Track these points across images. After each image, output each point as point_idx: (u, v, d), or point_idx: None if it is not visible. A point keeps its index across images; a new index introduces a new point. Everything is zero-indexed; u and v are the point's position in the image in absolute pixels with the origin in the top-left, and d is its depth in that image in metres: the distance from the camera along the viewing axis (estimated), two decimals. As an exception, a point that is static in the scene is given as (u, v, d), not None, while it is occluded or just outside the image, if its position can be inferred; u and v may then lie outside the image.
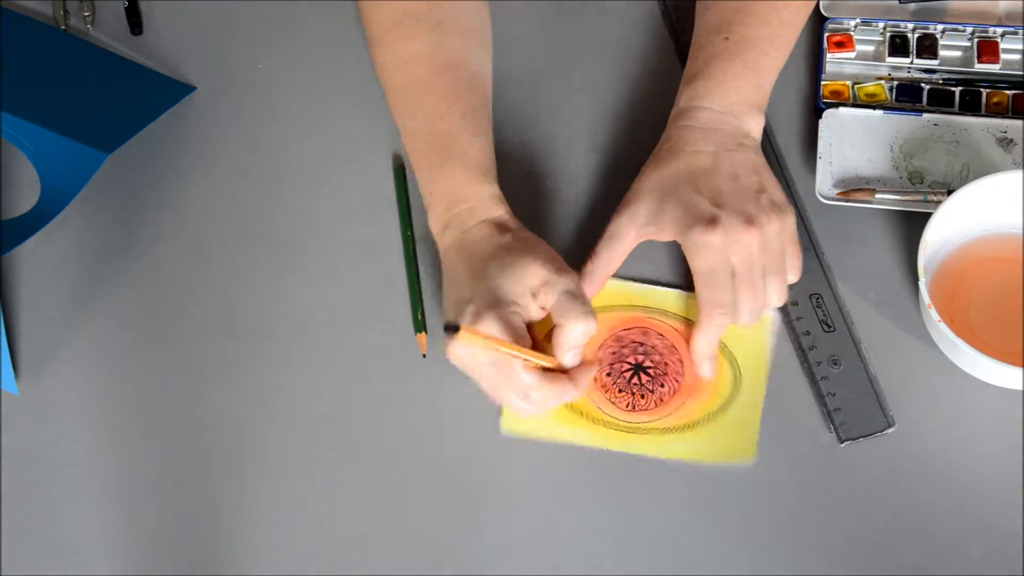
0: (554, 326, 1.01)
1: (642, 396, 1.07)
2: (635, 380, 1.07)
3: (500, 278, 1.01)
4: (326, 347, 1.10)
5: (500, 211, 1.06)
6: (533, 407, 1.02)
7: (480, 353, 1.00)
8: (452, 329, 0.96)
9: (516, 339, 0.99)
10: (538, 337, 1.03)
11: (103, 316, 1.11)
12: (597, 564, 1.03)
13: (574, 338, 1.01)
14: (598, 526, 1.04)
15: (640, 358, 1.08)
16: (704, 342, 1.05)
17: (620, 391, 1.07)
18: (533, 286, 1.01)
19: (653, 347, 1.08)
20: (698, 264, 1.03)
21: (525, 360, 0.99)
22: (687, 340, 1.08)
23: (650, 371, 1.07)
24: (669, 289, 1.10)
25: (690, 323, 1.08)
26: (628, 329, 1.09)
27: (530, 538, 1.04)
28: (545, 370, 1.01)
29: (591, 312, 1.00)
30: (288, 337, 1.10)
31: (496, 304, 1.00)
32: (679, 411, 1.06)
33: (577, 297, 1.01)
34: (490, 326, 0.99)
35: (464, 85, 1.09)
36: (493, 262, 1.02)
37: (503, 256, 1.02)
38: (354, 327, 1.10)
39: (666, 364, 1.07)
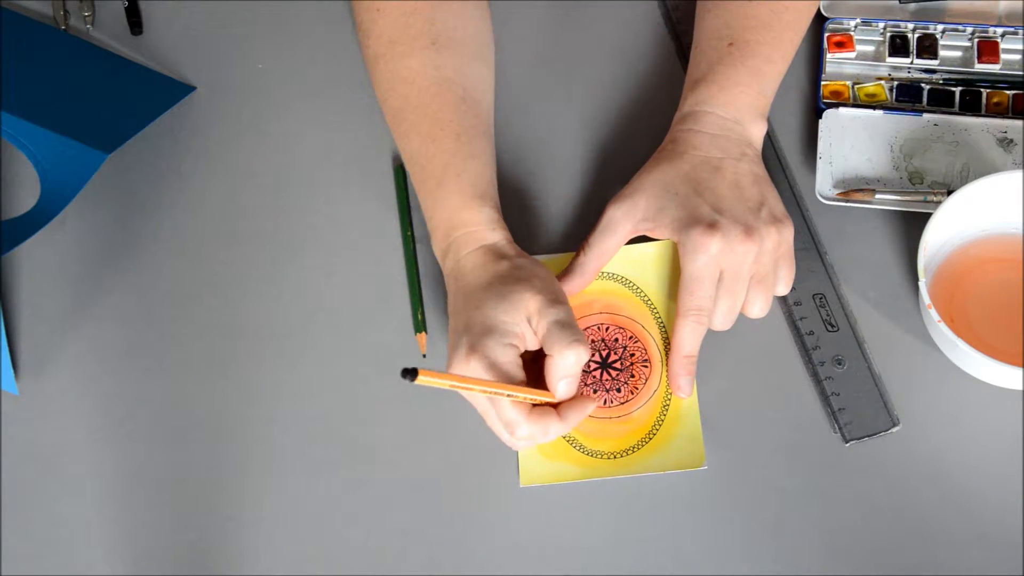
0: (546, 357, 1.00)
1: (617, 390, 1.06)
2: (605, 376, 1.07)
3: (494, 309, 1.00)
4: (326, 347, 1.10)
5: (497, 236, 1.05)
6: (522, 442, 1.01)
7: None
8: (410, 374, 0.89)
9: (504, 375, 0.98)
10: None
11: (103, 316, 1.11)
12: (597, 564, 1.03)
13: (566, 368, 0.99)
14: (598, 526, 1.04)
15: (604, 352, 1.07)
16: (681, 348, 1.04)
17: (594, 391, 1.07)
18: (528, 315, 1.00)
19: (616, 341, 1.07)
20: (689, 266, 1.03)
21: (509, 396, 0.98)
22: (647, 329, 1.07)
23: (616, 364, 1.07)
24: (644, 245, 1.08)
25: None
26: (591, 326, 1.08)
27: (530, 538, 1.04)
28: (534, 404, 1.00)
29: (582, 340, 0.99)
30: (288, 337, 1.10)
31: (490, 336, 0.99)
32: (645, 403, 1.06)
33: (568, 326, 0.99)
34: (478, 363, 0.98)
35: (459, 105, 1.08)
36: (488, 292, 1.01)
37: (498, 286, 1.01)
38: (354, 327, 1.10)
39: (631, 355, 1.07)
